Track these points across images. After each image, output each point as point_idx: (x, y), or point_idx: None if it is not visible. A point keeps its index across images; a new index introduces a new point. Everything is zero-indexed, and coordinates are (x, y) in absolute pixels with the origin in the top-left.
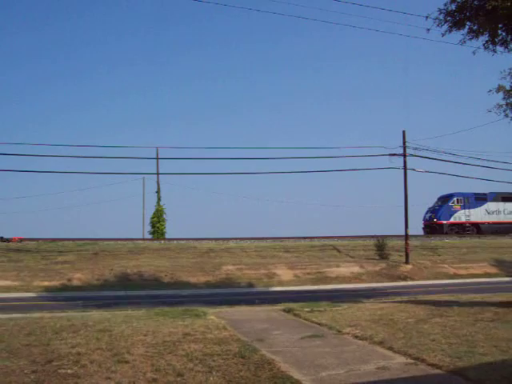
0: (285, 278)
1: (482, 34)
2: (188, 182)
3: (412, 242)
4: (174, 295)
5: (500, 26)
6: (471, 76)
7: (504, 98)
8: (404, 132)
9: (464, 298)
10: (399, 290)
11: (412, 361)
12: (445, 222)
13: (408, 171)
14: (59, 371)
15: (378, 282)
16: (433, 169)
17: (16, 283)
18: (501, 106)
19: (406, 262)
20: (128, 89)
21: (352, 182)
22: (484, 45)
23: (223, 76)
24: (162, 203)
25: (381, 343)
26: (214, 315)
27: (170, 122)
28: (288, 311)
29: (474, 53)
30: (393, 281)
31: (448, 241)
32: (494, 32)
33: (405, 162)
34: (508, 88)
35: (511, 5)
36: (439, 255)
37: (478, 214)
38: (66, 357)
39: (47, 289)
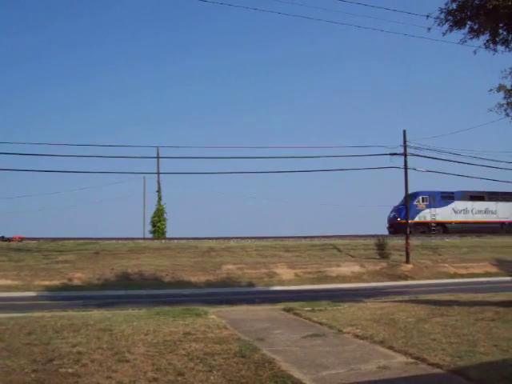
0: (285, 277)
1: (483, 34)
2: (189, 181)
3: (412, 242)
4: (175, 294)
5: (501, 25)
6: (472, 75)
7: (505, 98)
8: (405, 131)
9: (464, 297)
10: (400, 290)
11: (413, 360)
12: (409, 221)
13: (409, 170)
14: (60, 370)
15: (378, 281)
16: (434, 168)
17: (17, 282)
18: (502, 105)
19: (407, 262)
20: (128, 88)
21: (353, 182)
22: (485, 44)
23: (224, 75)
24: (162, 202)
25: (381, 342)
26: (215, 314)
27: (170, 121)
28: (288, 310)
29: (474, 52)
30: (393, 280)
31: (448, 240)
32: (495, 31)
33: (405, 162)
34: (509, 87)
35: None
36: (440, 255)
37: (444, 213)
38: (66, 356)
39: (48, 288)
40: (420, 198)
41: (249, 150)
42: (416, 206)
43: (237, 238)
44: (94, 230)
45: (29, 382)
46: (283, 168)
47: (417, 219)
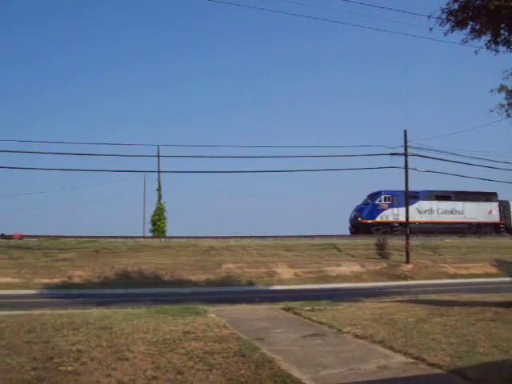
0: (285, 276)
1: (485, 34)
2: (189, 180)
3: (412, 242)
4: (175, 293)
5: (502, 25)
6: (473, 76)
7: (506, 98)
8: (405, 131)
9: (464, 297)
10: (400, 290)
11: (412, 360)
12: (370, 221)
13: (409, 171)
14: (59, 368)
15: (378, 281)
16: (434, 168)
17: (17, 280)
18: (503, 105)
19: (407, 262)
20: (130, 87)
21: (353, 182)
22: (486, 44)
23: (225, 75)
24: (162, 201)
25: (381, 342)
26: (215, 313)
27: (171, 120)
28: (288, 310)
29: (476, 52)
30: (393, 280)
31: (448, 240)
32: (497, 32)
33: (406, 162)
34: (510, 88)
35: None
36: (440, 255)
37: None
38: (66, 354)
39: (48, 286)
40: (382, 197)
41: (249, 149)
42: (378, 205)
43: (237, 236)
44: (95, 228)
45: (28, 380)
46: (284, 167)
47: (378, 219)
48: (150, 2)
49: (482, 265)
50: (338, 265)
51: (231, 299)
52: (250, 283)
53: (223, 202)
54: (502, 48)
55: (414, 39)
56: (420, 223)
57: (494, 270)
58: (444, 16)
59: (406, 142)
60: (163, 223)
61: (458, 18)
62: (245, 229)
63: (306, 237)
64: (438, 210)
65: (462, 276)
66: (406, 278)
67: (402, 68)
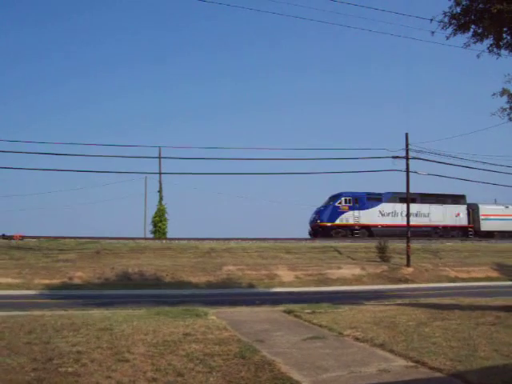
0: (286, 279)
1: (487, 38)
2: (190, 181)
3: (413, 245)
4: (175, 295)
5: (505, 29)
6: (475, 79)
7: (508, 102)
8: (407, 134)
9: (465, 301)
10: (400, 293)
11: (413, 364)
12: (329, 223)
13: (410, 174)
14: (59, 369)
15: (379, 284)
16: (436, 171)
17: (17, 281)
18: (505, 109)
19: (408, 265)
20: (131, 88)
21: (355, 184)
22: (488, 48)
23: (226, 76)
24: (163, 203)
25: (381, 346)
26: (215, 315)
27: (173, 121)
28: (289, 312)
29: (478, 56)
30: (394, 283)
31: (449, 244)
32: (499, 35)
33: (407, 165)
34: None
35: None
36: (440, 258)
37: (369, 216)
38: (66, 355)
39: (48, 287)
40: (343, 199)
41: (251, 151)
42: (338, 207)
43: (237, 239)
44: (95, 230)
45: (28, 381)
46: (285, 170)
47: (338, 222)
48: (150, 3)
49: (483, 268)
50: (339, 267)
51: (232, 301)
52: (251, 285)
53: (224, 203)
54: (504, 52)
55: (416, 42)
56: (382, 226)
57: (494, 274)
58: (446, 19)
59: (407, 145)
60: (164, 225)
61: (460, 22)
62: (245, 231)
63: (306, 239)
64: (401, 213)
65: (462, 279)
66: (406, 281)
67: (404, 71)
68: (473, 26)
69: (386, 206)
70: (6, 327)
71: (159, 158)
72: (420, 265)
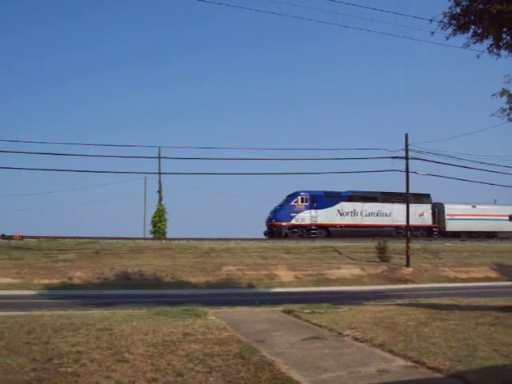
0: (285, 279)
1: (487, 38)
2: (190, 181)
3: (413, 245)
4: (175, 295)
5: (504, 29)
6: (474, 79)
7: (508, 102)
8: (406, 135)
9: (465, 301)
10: (400, 293)
11: (412, 364)
12: (284, 223)
13: (411, 174)
14: (59, 369)
15: (378, 284)
16: (435, 171)
17: (17, 281)
18: (504, 110)
19: (407, 265)
20: (131, 88)
21: (354, 185)
22: (488, 48)
23: (226, 77)
24: (163, 203)
25: (381, 346)
26: (215, 315)
27: (172, 121)
28: (288, 312)
29: (478, 56)
30: (394, 283)
31: (449, 244)
32: (499, 36)
33: (407, 165)
34: None
35: None
36: (440, 258)
37: (327, 216)
38: (65, 355)
39: (48, 287)
40: (299, 198)
41: (250, 151)
42: (293, 206)
43: (237, 239)
44: (95, 230)
45: (28, 381)
46: (285, 170)
47: (294, 221)
48: (149, 4)
49: (483, 269)
50: (339, 268)
51: (231, 301)
52: (250, 285)
53: (224, 203)
54: (503, 52)
55: (416, 42)
56: (341, 226)
57: (494, 274)
58: (446, 20)
59: (407, 145)
60: (164, 225)
61: (460, 22)
62: (245, 231)
63: (306, 239)
64: (362, 213)
65: (462, 280)
66: (406, 281)
67: (404, 71)
68: (472, 27)
69: (345, 206)
70: (6, 327)
71: (159, 158)
72: (420, 265)
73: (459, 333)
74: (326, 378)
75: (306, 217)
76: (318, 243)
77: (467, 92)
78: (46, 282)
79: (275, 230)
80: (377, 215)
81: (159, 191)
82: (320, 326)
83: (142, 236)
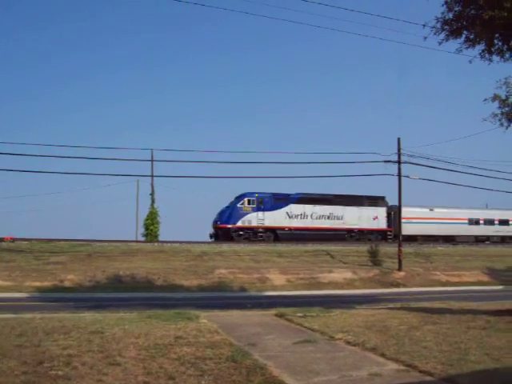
0: (277, 282)
1: (479, 43)
2: (182, 184)
3: (405, 249)
4: (167, 298)
5: (496, 35)
6: (467, 84)
7: (499, 107)
8: (399, 139)
9: (456, 305)
10: (392, 297)
11: (404, 368)
12: (230, 225)
13: (402, 178)
14: (50, 373)
15: (370, 288)
16: (428, 176)
17: (8, 283)
18: (496, 115)
19: (399, 269)
20: (125, 92)
21: (346, 188)
22: (480, 54)
23: (220, 82)
24: (155, 205)
25: (373, 349)
26: (207, 319)
27: (165, 125)
28: (280, 316)
29: (470, 62)
30: (386, 287)
31: (441, 248)
32: (491, 41)
33: (399, 169)
34: (503, 97)
35: (508, 15)
36: (432, 262)
37: (275, 218)
38: (56, 358)
39: (39, 289)
40: (246, 200)
41: (243, 155)
42: (240, 208)
43: (229, 242)
44: (87, 232)
45: None
46: (277, 173)
47: (240, 224)
48: (147, 8)
49: (474, 273)
50: (331, 271)
51: (223, 305)
52: (243, 289)
53: (216, 206)
54: (495, 58)
55: (409, 47)
56: (290, 229)
57: (485, 278)
58: (439, 25)
59: (399, 149)
60: (156, 228)
61: (452, 28)
62: None
63: (298, 243)
64: (312, 215)
65: (453, 284)
66: (398, 285)
67: (397, 76)
68: (465, 32)
69: (294, 208)
70: None
71: (151, 160)
72: (412, 269)
73: (451, 336)
74: (318, 382)
75: (252, 219)
76: (311, 247)
77: (460, 96)
78: (38, 284)
79: (220, 232)
80: (328, 218)
81: (152, 194)
82: (312, 330)
83: (134, 239)
